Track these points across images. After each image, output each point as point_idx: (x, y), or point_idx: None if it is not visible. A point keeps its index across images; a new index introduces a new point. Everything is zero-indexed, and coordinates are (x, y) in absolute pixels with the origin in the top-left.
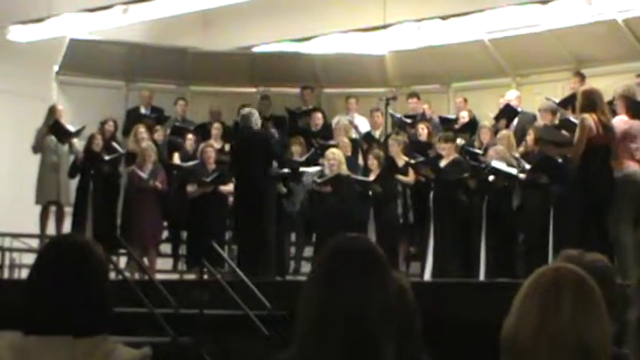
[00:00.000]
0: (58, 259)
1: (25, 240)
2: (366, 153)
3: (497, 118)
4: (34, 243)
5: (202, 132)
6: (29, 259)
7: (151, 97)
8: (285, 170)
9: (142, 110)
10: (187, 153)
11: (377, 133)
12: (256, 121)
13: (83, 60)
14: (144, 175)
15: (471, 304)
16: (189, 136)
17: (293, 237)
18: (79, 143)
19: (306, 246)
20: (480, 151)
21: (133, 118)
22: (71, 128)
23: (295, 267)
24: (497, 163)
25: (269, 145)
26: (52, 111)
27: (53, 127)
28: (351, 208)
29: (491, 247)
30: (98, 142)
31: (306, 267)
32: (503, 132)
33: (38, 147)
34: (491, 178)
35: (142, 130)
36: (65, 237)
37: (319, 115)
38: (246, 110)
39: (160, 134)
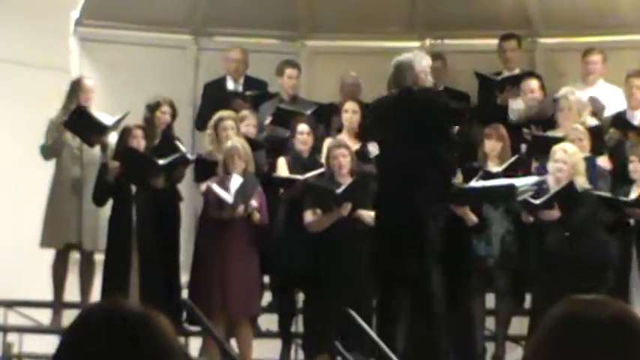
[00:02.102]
0: (97, 346)
1: (28, 312)
2: (620, 151)
3: None
4: (45, 316)
5: (326, 119)
6: (38, 344)
7: (246, 60)
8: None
9: (229, 85)
10: (301, 157)
11: (637, 115)
12: (420, 74)
13: (120, 1)
14: (227, 196)
15: None
16: (302, 127)
17: (491, 300)
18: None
19: (513, 315)
20: None
21: (214, 99)
22: (106, 119)
23: (496, 352)
24: None
25: (440, 116)
26: (76, 89)
27: (74, 117)
28: (594, 249)
29: None
30: (138, 141)
31: (514, 352)
32: None
33: (54, 150)
34: None
35: (228, 121)
36: (105, 307)
37: (533, 83)
38: (403, 57)
39: (249, 124)
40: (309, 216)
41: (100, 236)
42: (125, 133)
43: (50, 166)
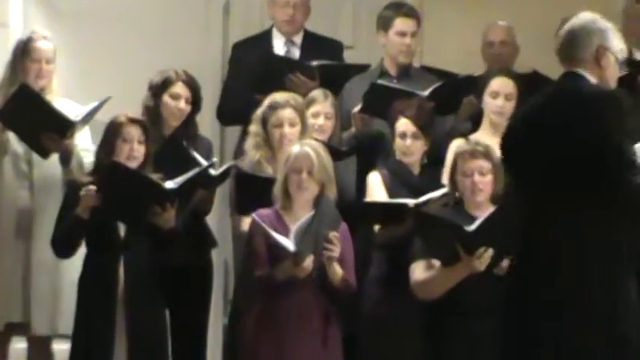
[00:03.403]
0: None
1: None
2: None
3: None
4: None
5: (454, 104)
6: None
7: (307, 4)
8: None
9: (278, 46)
10: (406, 169)
11: None
12: (609, 55)
13: None
14: (285, 240)
15: None
16: (402, 125)
17: None
18: (88, 153)
19: None
20: None
21: (252, 70)
22: (71, 108)
23: None
24: None
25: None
26: (22, 55)
27: (15, 104)
28: None
29: None
30: (132, 147)
31: None
32: None
33: None
34: None
35: (287, 110)
36: None
37: None
38: (589, 19)
39: (319, 112)
40: (419, 272)
41: (61, 312)
42: (110, 133)
43: None
